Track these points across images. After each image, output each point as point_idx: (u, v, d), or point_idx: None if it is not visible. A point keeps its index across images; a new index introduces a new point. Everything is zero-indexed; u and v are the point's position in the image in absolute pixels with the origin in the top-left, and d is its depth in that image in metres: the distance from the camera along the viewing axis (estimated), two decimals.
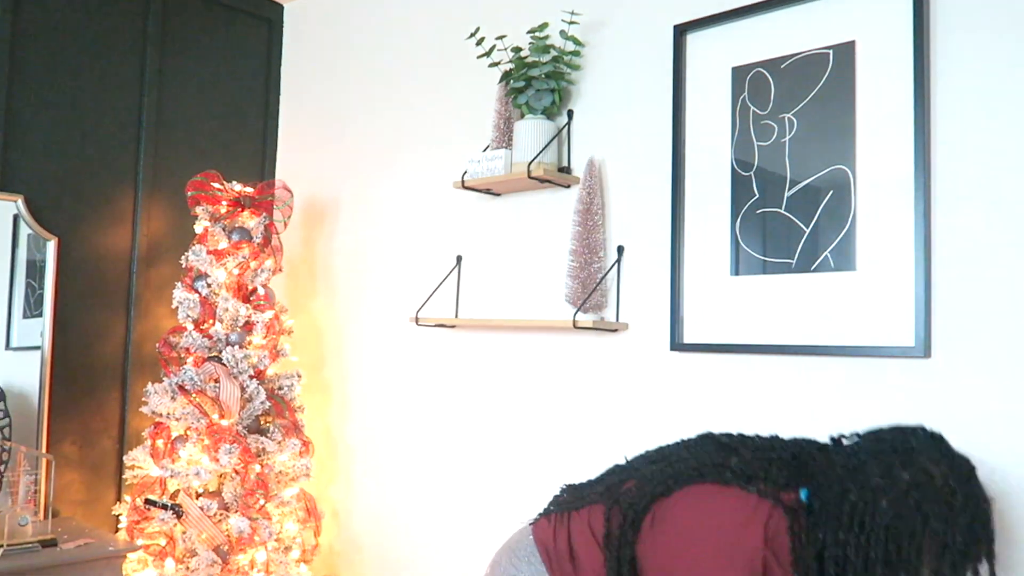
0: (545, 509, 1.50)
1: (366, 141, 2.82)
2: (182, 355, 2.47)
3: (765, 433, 1.47)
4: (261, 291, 2.58)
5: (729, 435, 1.42)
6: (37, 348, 2.54)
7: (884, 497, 1.11)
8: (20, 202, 2.51)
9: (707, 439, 1.41)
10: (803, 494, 1.22)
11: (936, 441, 1.20)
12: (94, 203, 2.69)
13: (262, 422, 2.54)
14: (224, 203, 2.57)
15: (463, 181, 2.26)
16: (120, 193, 2.76)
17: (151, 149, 2.82)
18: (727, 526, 1.19)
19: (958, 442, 1.55)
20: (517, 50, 2.16)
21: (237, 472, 2.38)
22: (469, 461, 2.40)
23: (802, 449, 1.33)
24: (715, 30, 1.94)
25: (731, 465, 1.28)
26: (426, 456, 2.52)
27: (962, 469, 1.16)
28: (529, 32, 2.15)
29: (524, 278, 2.29)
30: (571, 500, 1.47)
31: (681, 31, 1.98)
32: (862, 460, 1.19)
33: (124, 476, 2.63)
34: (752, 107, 1.87)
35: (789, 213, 1.79)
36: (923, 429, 1.21)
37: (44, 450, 2.51)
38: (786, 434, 1.76)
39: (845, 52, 1.73)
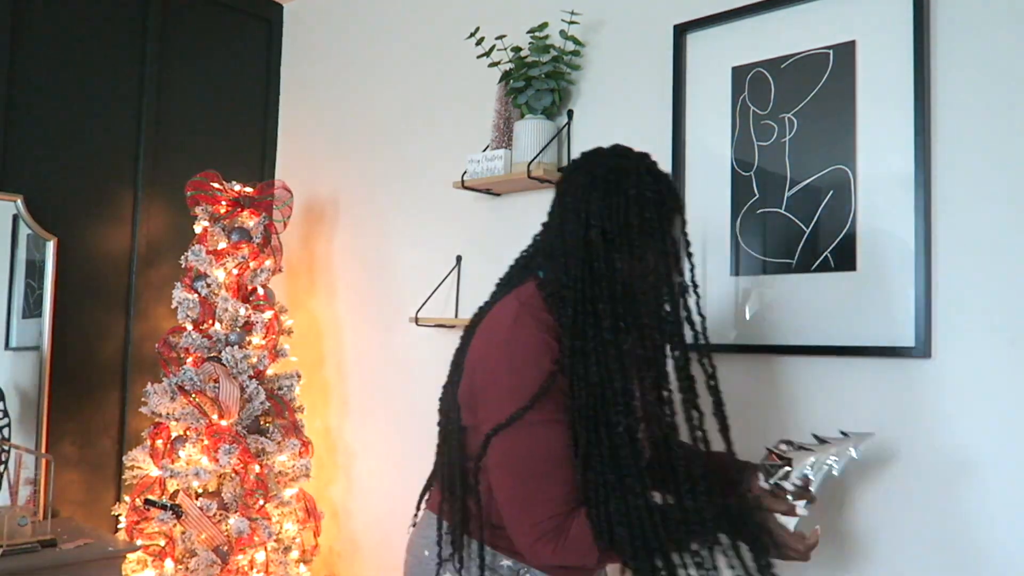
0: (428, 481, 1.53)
1: (365, 141, 2.82)
2: (181, 355, 2.47)
3: None
4: (260, 291, 2.58)
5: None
6: (36, 348, 2.53)
7: (592, 190, 1.28)
8: (20, 202, 2.51)
9: None
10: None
11: (621, 147, 1.37)
12: (93, 203, 2.69)
13: (262, 422, 2.54)
14: (223, 203, 2.56)
15: (463, 181, 2.26)
16: (119, 193, 2.76)
17: (151, 149, 2.82)
18: (492, 314, 1.35)
19: (958, 442, 1.55)
20: (517, 50, 2.16)
21: (236, 472, 2.37)
22: None
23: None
24: (715, 30, 1.94)
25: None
26: (425, 456, 2.51)
27: (644, 157, 1.34)
28: (529, 32, 2.15)
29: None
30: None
31: (681, 31, 1.98)
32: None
33: (123, 476, 2.62)
34: (752, 107, 1.86)
35: (789, 213, 1.79)
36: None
37: (44, 450, 2.51)
38: (782, 432, 1.76)
39: (845, 52, 1.73)
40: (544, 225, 1.39)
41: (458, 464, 1.35)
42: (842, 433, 1.41)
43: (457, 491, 1.34)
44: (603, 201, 1.26)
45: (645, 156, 1.33)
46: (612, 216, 1.25)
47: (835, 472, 1.32)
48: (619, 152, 1.33)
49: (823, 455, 1.32)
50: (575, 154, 2.18)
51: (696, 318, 1.33)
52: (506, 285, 1.42)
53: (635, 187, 1.26)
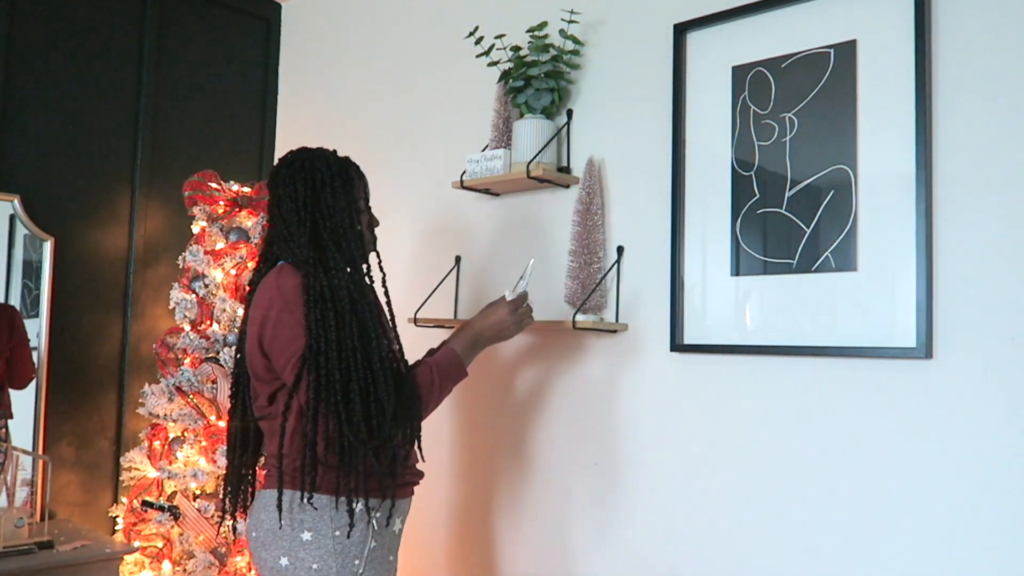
0: None
1: (364, 141, 2.81)
2: (179, 356, 2.46)
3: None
4: None
5: None
6: (34, 349, 2.52)
7: (295, 176, 1.64)
8: (16, 202, 2.50)
9: None
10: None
11: (307, 147, 1.72)
12: (91, 203, 2.68)
13: None
14: (221, 203, 2.56)
15: (462, 181, 2.25)
16: (117, 193, 2.74)
17: (148, 148, 2.81)
18: (256, 295, 1.65)
19: (960, 444, 1.55)
20: (516, 49, 2.15)
21: None
22: (463, 463, 2.39)
23: None
24: (715, 29, 1.93)
25: None
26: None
27: (325, 149, 1.70)
28: (528, 31, 2.14)
29: None
30: None
31: (681, 30, 1.97)
32: None
33: (121, 478, 2.61)
34: (752, 106, 1.86)
35: (790, 213, 1.78)
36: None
37: (41, 451, 2.50)
38: (783, 433, 1.76)
39: (846, 51, 1.72)
40: (269, 220, 1.70)
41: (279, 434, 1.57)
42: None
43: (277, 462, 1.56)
44: (305, 181, 1.63)
45: (326, 149, 1.71)
46: (314, 189, 1.63)
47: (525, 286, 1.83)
48: (307, 149, 1.71)
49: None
50: (575, 153, 2.18)
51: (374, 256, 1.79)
52: (259, 276, 1.70)
53: (324, 167, 1.65)
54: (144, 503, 2.35)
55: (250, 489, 1.74)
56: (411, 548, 2.51)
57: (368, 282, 1.70)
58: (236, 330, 2.49)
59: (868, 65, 1.70)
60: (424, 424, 2.55)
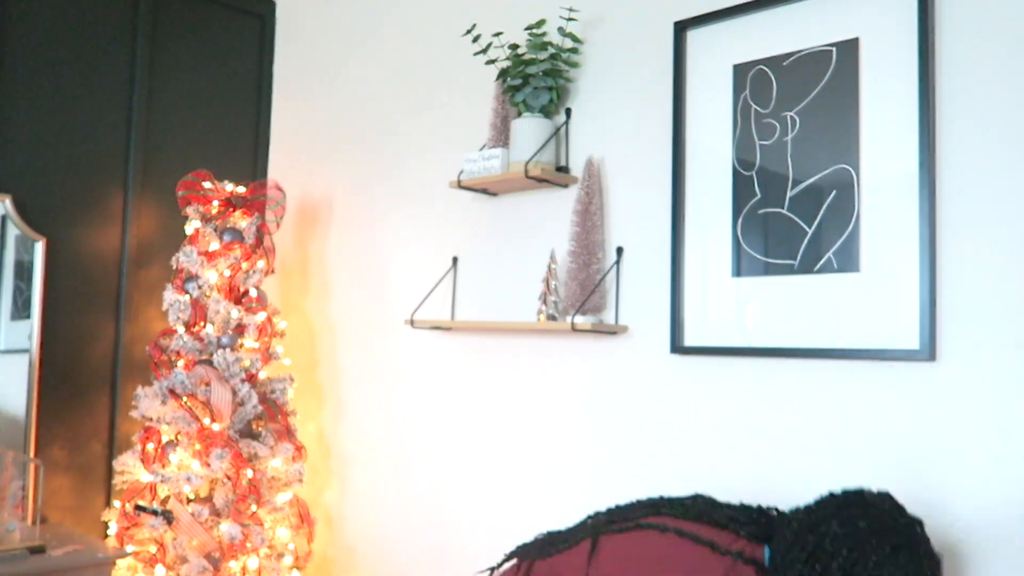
0: (510, 553, 1.51)
1: (360, 140, 2.78)
2: (172, 358, 2.43)
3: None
4: (253, 293, 2.54)
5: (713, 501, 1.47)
6: (25, 351, 2.49)
7: (844, 545, 1.19)
8: (8, 202, 2.47)
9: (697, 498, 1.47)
10: (766, 552, 1.30)
11: (885, 496, 1.30)
12: (83, 203, 2.65)
13: (254, 426, 2.50)
14: (215, 203, 2.53)
15: (459, 181, 2.23)
16: (110, 193, 2.71)
17: (141, 148, 2.78)
18: (683, 568, 1.26)
19: (962, 446, 1.53)
20: (514, 47, 2.13)
21: (229, 477, 2.34)
22: (464, 466, 2.37)
23: (764, 511, 1.42)
24: (716, 27, 1.91)
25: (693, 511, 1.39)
26: (421, 461, 2.49)
27: (914, 519, 1.27)
28: (527, 29, 2.12)
29: (521, 280, 2.26)
30: (539, 547, 1.48)
31: (681, 28, 1.95)
32: (821, 515, 1.28)
33: (113, 481, 2.58)
34: (754, 105, 1.83)
35: (791, 213, 1.76)
36: (870, 491, 1.32)
37: (32, 455, 2.47)
38: (785, 437, 1.74)
39: (848, 49, 1.70)
40: None
41: None
42: None
43: None
44: None
45: None
46: None
47: None
48: (887, 507, 1.29)
49: None
50: (574, 153, 2.16)
51: None
52: (705, 518, 1.40)
53: None
54: (137, 507, 2.33)
55: None
56: (403, 551, 2.49)
57: None
58: (230, 331, 2.46)
59: (871, 63, 1.68)
60: (420, 425, 2.54)
